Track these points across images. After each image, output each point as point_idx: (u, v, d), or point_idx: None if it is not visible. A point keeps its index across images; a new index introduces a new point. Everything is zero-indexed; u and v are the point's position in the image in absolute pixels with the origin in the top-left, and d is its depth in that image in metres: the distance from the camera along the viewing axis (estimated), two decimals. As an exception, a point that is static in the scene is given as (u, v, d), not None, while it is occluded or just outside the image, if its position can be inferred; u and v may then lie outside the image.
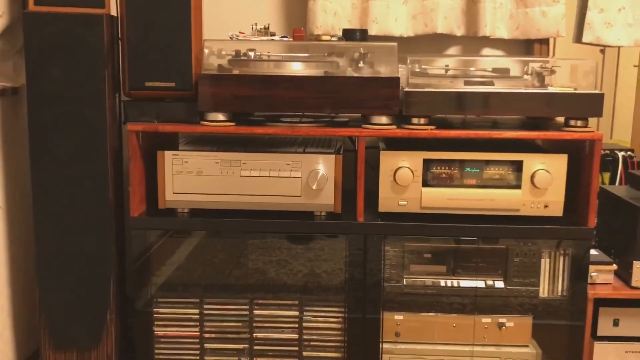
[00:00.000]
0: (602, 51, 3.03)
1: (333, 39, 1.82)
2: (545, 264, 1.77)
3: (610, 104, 3.16)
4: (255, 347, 1.82)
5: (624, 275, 1.84)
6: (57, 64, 1.67)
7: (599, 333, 1.82)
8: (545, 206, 1.72)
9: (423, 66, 1.86)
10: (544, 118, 1.87)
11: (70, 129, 1.70)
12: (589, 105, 1.66)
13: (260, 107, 1.69)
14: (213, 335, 1.82)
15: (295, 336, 1.81)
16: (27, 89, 1.69)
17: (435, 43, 2.24)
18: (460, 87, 1.72)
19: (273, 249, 1.85)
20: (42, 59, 1.67)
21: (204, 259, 1.86)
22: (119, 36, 1.73)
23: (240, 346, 1.82)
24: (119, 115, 1.81)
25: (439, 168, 1.73)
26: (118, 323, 1.85)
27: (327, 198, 1.73)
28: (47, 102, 1.69)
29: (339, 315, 1.79)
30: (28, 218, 1.85)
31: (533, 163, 1.71)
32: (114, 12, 1.73)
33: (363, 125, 1.69)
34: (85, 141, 1.71)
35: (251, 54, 1.74)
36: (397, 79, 1.66)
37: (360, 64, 1.72)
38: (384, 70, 1.71)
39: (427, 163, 1.72)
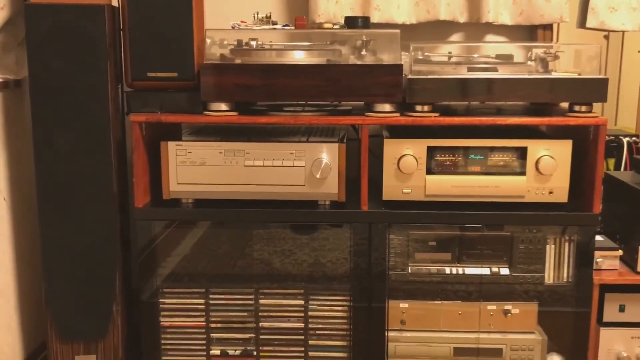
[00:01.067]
0: (606, 36, 3.01)
1: (335, 27, 1.81)
2: (550, 250, 1.77)
3: (614, 90, 3.14)
4: (262, 337, 1.82)
5: (629, 260, 1.83)
6: (59, 56, 1.67)
7: (605, 319, 1.82)
8: (550, 192, 1.72)
9: (426, 53, 1.85)
10: (548, 104, 1.86)
11: (73, 121, 1.70)
12: (593, 90, 1.65)
13: (262, 97, 1.69)
14: (219, 325, 1.83)
15: (301, 325, 1.81)
16: (29, 81, 1.69)
17: (438, 30, 2.23)
18: (464, 73, 1.71)
19: (277, 239, 1.85)
20: (44, 51, 1.66)
21: (209, 249, 1.86)
22: (121, 27, 1.73)
23: (247, 335, 1.83)
24: (122, 107, 1.81)
25: (443, 155, 1.72)
26: (124, 314, 1.86)
27: (331, 187, 1.73)
28: (50, 94, 1.69)
29: (345, 303, 1.79)
30: (33, 210, 1.85)
31: (537, 149, 1.70)
32: (115, 3, 1.73)
33: (366, 113, 1.69)
34: (88, 133, 1.71)
35: (253, 43, 1.73)
36: (400, 66, 1.65)
37: (363, 52, 1.71)
38: (386, 58, 1.70)
39: (431, 150, 1.72)
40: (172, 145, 1.73)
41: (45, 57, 1.67)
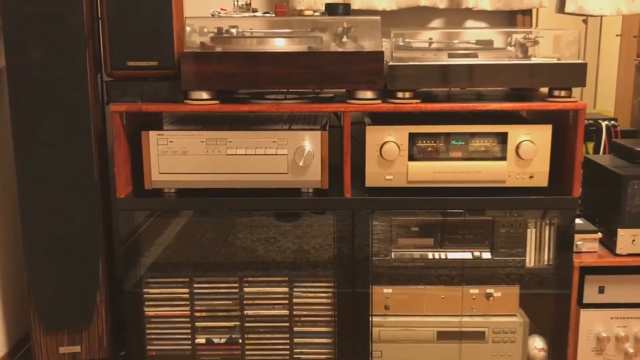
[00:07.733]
0: (585, 21, 3.03)
1: (316, 14, 1.80)
2: (531, 234, 1.79)
3: (593, 74, 3.17)
4: (246, 324, 1.83)
5: (608, 243, 1.86)
6: (37, 45, 1.65)
7: (585, 300, 1.85)
8: (531, 177, 1.73)
9: (407, 40, 1.85)
10: (528, 89, 1.87)
11: (53, 111, 1.69)
12: (572, 75, 1.67)
13: (244, 85, 1.68)
14: (204, 314, 1.83)
15: (286, 312, 1.82)
16: (7, 70, 1.67)
17: (418, 16, 2.23)
18: (445, 59, 1.71)
19: (261, 227, 1.85)
20: (22, 40, 1.64)
21: (193, 238, 1.86)
22: (99, 15, 1.71)
23: (231, 324, 1.83)
24: (102, 96, 1.80)
25: (424, 142, 1.73)
26: (108, 304, 1.85)
27: (314, 174, 1.73)
28: (29, 83, 1.67)
29: (329, 290, 1.80)
30: (13, 201, 1.84)
31: (518, 134, 1.71)
32: (92, -9, 1.71)
33: (348, 101, 1.69)
34: (68, 123, 1.70)
35: (233, 30, 1.72)
36: (381, 53, 1.66)
37: (344, 39, 1.71)
38: (367, 45, 1.70)
39: (412, 137, 1.72)
40: (153, 134, 1.72)
41: (23, 46, 1.65)
